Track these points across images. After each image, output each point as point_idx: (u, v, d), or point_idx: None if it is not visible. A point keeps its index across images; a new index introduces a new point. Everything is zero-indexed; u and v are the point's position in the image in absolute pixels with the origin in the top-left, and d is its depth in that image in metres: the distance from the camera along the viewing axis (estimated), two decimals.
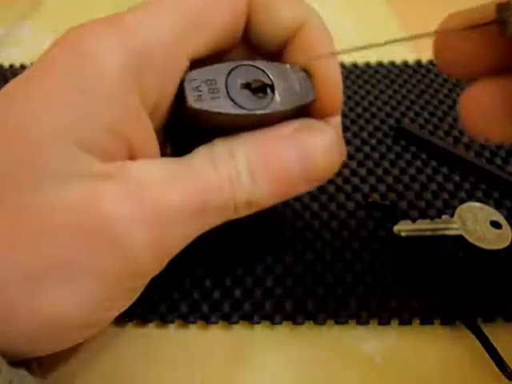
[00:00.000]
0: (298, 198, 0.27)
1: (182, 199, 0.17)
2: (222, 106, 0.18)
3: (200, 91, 0.18)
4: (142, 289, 0.19)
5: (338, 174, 0.28)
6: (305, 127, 0.19)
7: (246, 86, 0.18)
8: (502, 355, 0.20)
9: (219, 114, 0.18)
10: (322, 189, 0.27)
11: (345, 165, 0.28)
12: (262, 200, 0.18)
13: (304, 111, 0.20)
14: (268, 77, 0.18)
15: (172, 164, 0.18)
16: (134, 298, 0.19)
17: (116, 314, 0.18)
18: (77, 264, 0.16)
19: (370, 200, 0.27)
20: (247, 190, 0.18)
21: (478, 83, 0.16)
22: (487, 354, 0.20)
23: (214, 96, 0.18)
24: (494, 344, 0.21)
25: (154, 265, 0.18)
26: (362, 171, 0.28)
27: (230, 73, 0.18)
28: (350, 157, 0.29)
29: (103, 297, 0.17)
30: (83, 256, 0.16)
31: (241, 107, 0.18)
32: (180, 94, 0.19)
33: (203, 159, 0.18)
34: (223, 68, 0.18)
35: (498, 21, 0.13)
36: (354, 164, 0.29)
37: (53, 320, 0.16)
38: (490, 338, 0.21)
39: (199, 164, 0.18)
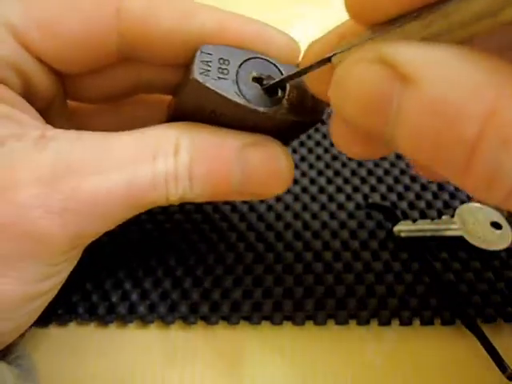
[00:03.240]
0: (297, 199, 0.27)
1: (104, 191, 0.17)
2: (226, 89, 0.17)
3: (209, 66, 0.17)
4: (69, 263, 0.19)
5: (338, 173, 0.28)
6: (256, 144, 0.19)
7: (258, 79, 0.17)
8: (502, 356, 0.20)
9: (218, 95, 0.17)
10: (321, 189, 0.27)
11: (344, 165, 0.28)
12: (194, 199, 0.18)
13: (301, 128, 0.19)
14: (287, 79, 0.18)
15: (101, 142, 0.17)
16: (63, 269, 0.19)
17: (55, 281, 0.18)
18: None
19: (370, 200, 0.27)
20: (181, 191, 0.18)
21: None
22: (487, 355, 0.20)
23: (221, 76, 0.17)
24: (494, 344, 0.21)
25: (68, 248, 0.17)
26: (362, 172, 0.28)
27: (246, 60, 0.18)
28: (350, 157, 0.29)
29: (29, 276, 0.17)
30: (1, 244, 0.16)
31: (244, 98, 0.17)
32: (187, 68, 0.18)
33: (143, 144, 0.17)
34: (241, 53, 0.18)
35: None
36: (354, 164, 0.29)
37: None
38: (490, 338, 0.21)
39: (135, 149, 0.17)
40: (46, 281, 0.18)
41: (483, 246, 0.24)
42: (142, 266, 0.24)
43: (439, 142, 0.12)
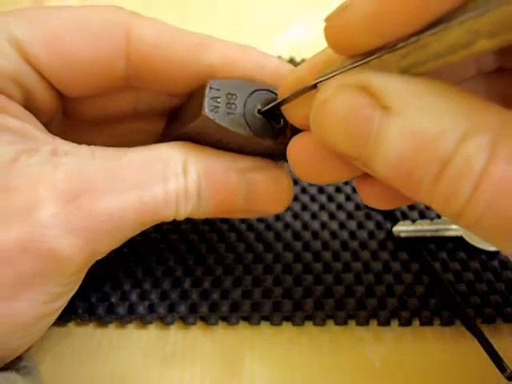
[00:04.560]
0: (297, 199, 0.27)
1: (121, 210, 0.17)
2: (234, 124, 0.18)
3: (218, 102, 0.18)
4: (78, 279, 0.19)
5: None
6: (259, 168, 0.20)
7: (265, 112, 0.18)
8: (501, 356, 0.20)
9: (227, 130, 0.18)
10: (321, 189, 0.27)
11: None
12: (200, 216, 0.19)
13: None
14: (279, 104, 0.18)
15: (112, 159, 0.18)
16: (74, 287, 0.19)
17: (65, 299, 0.19)
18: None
19: None
20: (190, 209, 0.18)
21: (299, 135, 0.18)
22: (487, 355, 0.20)
23: (229, 111, 0.18)
24: (494, 345, 0.21)
25: (81, 267, 0.18)
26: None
27: (251, 93, 0.18)
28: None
29: (43, 297, 0.17)
30: (22, 265, 0.16)
31: (250, 130, 0.18)
32: (193, 96, 0.19)
33: (153, 164, 0.18)
34: (246, 86, 0.18)
35: None
36: None
37: (16, 326, 0.17)
38: (490, 338, 0.21)
39: (147, 168, 0.18)
40: (57, 300, 0.18)
41: (482, 246, 0.24)
42: (142, 267, 0.24)
43: (416, 163, 0.13)
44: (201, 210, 0.19)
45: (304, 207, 0.26)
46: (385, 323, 0.22)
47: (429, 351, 0.22)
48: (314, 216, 0.26)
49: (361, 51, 0.14)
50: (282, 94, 0.17)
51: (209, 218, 0.26)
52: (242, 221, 0.26)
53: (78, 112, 0.21)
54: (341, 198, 0.27)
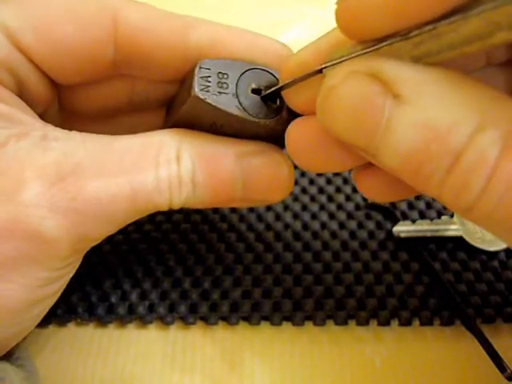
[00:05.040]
0: (297, 199, 0.27)
1: (111, 195, 0.17)
2: (226, 103, 0.17)
3: (209, 82, 0.17)
4: (71, 267, 0.19)
5: (337, 173, 0.28)
6: (257, 152, 0.19)
7: (257, 91, 0.18)
8: (501, 356, 0.20)
9: (220, 110, 0.17)
10: (321, 190, 0.27)
11: None
12: (197, 205, 0.19)
13: None
14: (280, 87, 0.17)
15: (103, 144, 0.17)
16: (67, 273, 0.19)
17: (58, 286, 0.18)
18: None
19: (369, 201, 0.27)
20: (185, 196, 0.18)
21: (300, 119, 0.17)
22: (486, 355, 0.20)
23: (221, 91, 0.17)
24: (494, 345, 0.21)
25: (71, 252, 0.17)
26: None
27: (244, 72, 0.18)
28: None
29: (33, 282, 0.17)
30: (7, 247, 0.16)
31: (245, 110, 0.17)
32: (184, 80, 0.18)
33: (145, 149, 0.17)
34: (238, 66, 0.18)
35: None
36: None
37: (4, 311, 0.17)
38: (490, 338, 0.21)
39: (138, 153, 0.17)
40: (49, 286, 0.18)
41: (482, 246, 0.24)
42: (142, 267, 0.24)
43: (427, 155, 0.13)
44: (197, 198, 0.18)
45: (304, 207, 0.26)
46: (385, 323, 0.22)
47: (429, 351, 0.22)
48: (314, 216, 0.26)
49: (373, 36, 0.13)
50: (284, 78, 0.17)
51: (208, 219, 0.26)
52: (242, 220, 0.26)
53: (73, 103, 0.21)
54: (341, 198, 0.27)
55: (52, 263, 0.17)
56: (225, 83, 0.17)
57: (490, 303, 0.22)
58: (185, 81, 0.19)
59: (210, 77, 0.17)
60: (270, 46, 0.19)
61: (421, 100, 0.13)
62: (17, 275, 0.16)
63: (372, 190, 0.18)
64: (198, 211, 0.26)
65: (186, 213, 0.26)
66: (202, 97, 0.17)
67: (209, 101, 0.17)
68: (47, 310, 0.19)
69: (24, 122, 0.18)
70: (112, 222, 0.18)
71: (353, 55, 0.14)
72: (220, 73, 0.17)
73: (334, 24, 0.15)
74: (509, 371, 0.20)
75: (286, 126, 0.18)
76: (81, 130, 0.18)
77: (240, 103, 0.17)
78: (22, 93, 0.19)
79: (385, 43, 0.13)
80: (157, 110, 0.23)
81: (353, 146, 0.15)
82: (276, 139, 0.19)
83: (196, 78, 0.17)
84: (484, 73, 0.17)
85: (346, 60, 0.14)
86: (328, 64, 0.15)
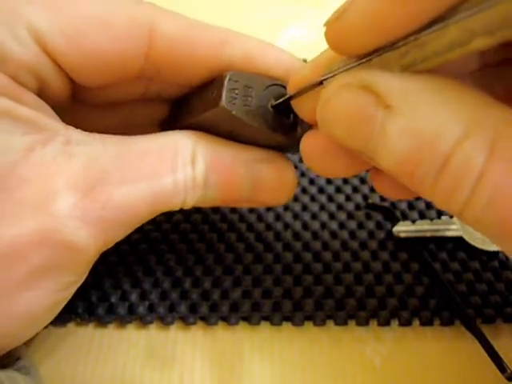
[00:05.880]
0: (297, 199, 0.27)
1: (134, 200, 0.17)
2: (249, 116, 0.18)
3: (236, 94, 0.18)
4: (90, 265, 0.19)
5: None
6: (266, 159, 0.20)
7: (276, 106, 0.18)
8: (501, 356, 0.20)
9: (242, 122, 0.18)
10: (321, 190, 0.27)
11: None
12: (207, 205, 0.20)
13: None
14: (289, 99, 0.18)
15: (123, 149, 0.18)
16: (85, 276, 0.19)
17: (72, 290, 0.19)
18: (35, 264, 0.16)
19: (369, 201, 0.27)
20: (197, 197, 0.19)
21: (310, 131, 0.18)
22: (486, 355, 0.20)
23: (246, 103, 0.18)
24: (494, 345, 0.21)
25: (96, 257, 0.18)
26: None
27: (266, 88, 0.18)
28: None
29: (57, 287, 0.17)
30: (39, 257, 0.16)
31: (265, 124, 0.18)
32: (207, 86, 0.19)
33: (164, 155, 0.18)
34: (262, 80, 0.18)
35: None
36: None
37: (29, 316, 0.17)
38: (490, 339, 0.21)
39: (156, 157, 0.18)
40: (70, 289, 0.18)
41: (482, 246, 0.24)
42: (142, 267, 0.24)
43: (417, 161, 0.13)
44: (207, 198, 0.19)
45: (304, 207, 0.26)
46: (385, 323, 0.22)
47: (429, 351, 0.22)
48: (314, 216, 0.26)
49: (361, 52, 0.14)
50: (290, 90, 0.18)
51: (208, 219, 0.26)
52: (242, 220, 0.26)
53: (87, 98, 0.21)
54: (341, 198, 0.27)
55: (77, 269, 0.18)
56: (250, 96, 0.18)
57: (490, 303, 0.22)
58: (207, 86, 0.19)
59: (237, 89, 0.18)
60: (292, 64, 0.20)
61: (409, 109, 0.13)
62: (47, 282, 0.17)
63: (385, 188, 0.19)
64: (198, 211, 0.26)
65: (186, 213, 0.26)
66: (229, 109, 0.17)
67: (234, 113, 0.17)
68: (57, 313, 0.19)
69: (48, 126, 0.18)
70: (133, 225, 0.18)
71: (347, 67, 0.15)
72: (246, 86, 0.18)
73: None
74: (509, 371, 0.20)
75: (299, 139, 0.19)
76: (85, 119, 0.18)
77: (261, 117, 0.18)
78: (42, 91, 0.19)
79: (374, 55, 0.14)
80: (164, 103, 0.23)
81: (354, 151, 0.15)
82: (283, 148, 0.20)
83: (225, 91, 0.18)
84: (478, 76, 0.17)
85: (341, 72, 0.15)
86: (326, 76, 0.16)
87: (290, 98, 0.18)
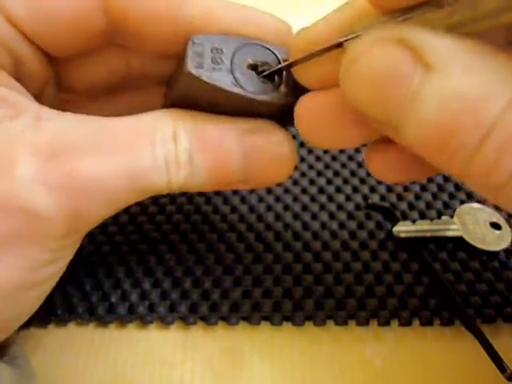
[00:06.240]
0: (297, 199, 0.27)
1: (108, 173, 0.16)
2: (221, 79, 0.16)
3: (202, 57, 0.16)
4: (66, 252, 0.18)
5: (338, 174, 0.28)
6: (257, 130, 0.18)
7: (253, 67, 0.17)
8: (501, 356, 0.20)
9: (214, 87, 0.16)
10: (321, 190, 0.27)
11: (344, 165, 0.28)
12: (197, 187, 0.18)
13: None
14: (279, 63, 0.17)
15: (98, 124, 0.17)
16: (63, 255, 0.18)
17: (52, 270, 0.18)
18: None
19: (369, 201, 0.27)
20: (183, 177, 0.17)
21: (310, 94, 0.16)
22: (487, 355, 0.20)
23: (215, 67, 0.16)
24: (494, 345, 0.21)
25: (65, 231, 0.17)
26: (362, 172, 0.28)
27: (240, 47, 0.17)
28: (350, 158, 0.29)
29: (26, 263, 0.16)
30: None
31: (241, 87, 0.17)
32: (179, 58, 0.18)
33: (141, 128, 0.17)
34: (234, 41, 0.17)
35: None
36: (353, 165, 0.29)
37: None
38: (490, 339, 0.21)
39: (134, 132, 0.17)
40: (42, 269, 0.17)
41: (482, 246, 0.24)
42: (142, 267, 0.24)
43: (455, 127, 0.12)
44: (196, 179, 0.18)
45: (304, 207, 0.26)
46: (385, 323, 0.22)
47: (429, 351, 0.22)
48: (314, 216, 0.26)
49: (402, 4, 0.13)
50: (294, 55, 0.16)
51: (208, 219, 0.26)
52: (242, 220, 0.26)
53: (69, 80, 0.21)
54: (341, 198, 0.27)
55: (45, 242, 0.17)
56: (219, 58, 0.17)
57: (490, 303, 0.22)
58: (179, 58, 0.18)
59: (203, 52, 0.16)
60: (267, 22, 0.19)
61: (452, 69, 0.12)
62: (8, 256, 0.16)
63: (382, 169, 0.17)
64: (198, 211, 0.26)
65: (186, 213, 0.26)
66: (195, 73, 0.16)
67: (203, 78, 0.16)
68: (43, 297, 0.19)
69: (19, 103, 0.17)
70: (109, 202, 0.17)
71: (379, 24, 0.13)
72: (214, 48, 0.17)
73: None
74: (509, 371, 0.20)
75: (285, 102, 0.17)
76: (79, 112, 0.18)
77: (235, 79, 0.17)
78: (18, 71, 0.19)
79: (416, 12, 0.12)
80: (156, 90, 0.22)
81: (373, 120, 0.14)
82: (277, 118, 0.18)
83: (188, 54, 0.16)
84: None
85: (371, 30, 0.13)
86: (350, 36, 0.14)
87: (288, 65, 0.16)
